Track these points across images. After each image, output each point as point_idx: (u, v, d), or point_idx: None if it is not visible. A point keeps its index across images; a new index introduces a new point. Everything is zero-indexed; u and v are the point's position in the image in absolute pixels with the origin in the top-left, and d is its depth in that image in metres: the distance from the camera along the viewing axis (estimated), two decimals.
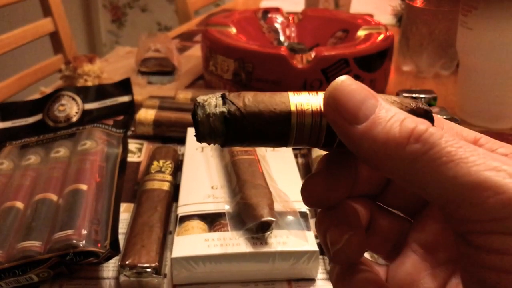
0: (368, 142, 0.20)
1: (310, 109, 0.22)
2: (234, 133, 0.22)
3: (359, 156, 0.21)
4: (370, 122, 0.20)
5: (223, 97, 0.22)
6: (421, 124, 0.19)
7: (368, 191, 0.27)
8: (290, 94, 0.22)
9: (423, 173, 0.19)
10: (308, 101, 0.22)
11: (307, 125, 0.22)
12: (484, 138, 0.22)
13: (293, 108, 0.22)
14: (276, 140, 0.22)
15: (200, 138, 0.22)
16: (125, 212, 0.52)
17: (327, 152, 0.25)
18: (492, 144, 0.22)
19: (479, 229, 0.18)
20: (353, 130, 0.20)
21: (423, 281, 0.24)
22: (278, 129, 0.22)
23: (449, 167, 0.18)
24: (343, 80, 0.21)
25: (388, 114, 0.20)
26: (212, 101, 0.22)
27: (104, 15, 2.86)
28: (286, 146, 0.23)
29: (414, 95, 0.75)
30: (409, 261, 0.25)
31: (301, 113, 0.22)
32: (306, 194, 0.25)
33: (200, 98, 0.22)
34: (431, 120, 0.22)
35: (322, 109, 0.22)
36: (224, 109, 0.22)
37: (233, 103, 0.22)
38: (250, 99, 0.22)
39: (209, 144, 0.23)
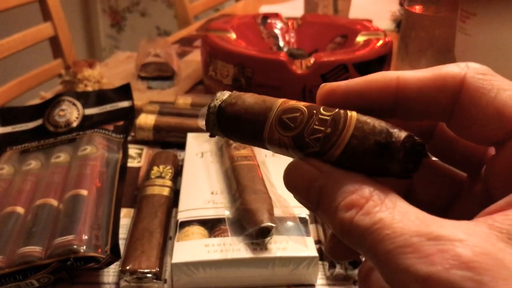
0: (327, 224, 0.21)
1: (278, 136, 0.22)
2: (223, 126, 0.24)
3: None
4: (320, 209, 0.21)
5: (229, 94, 0.24)
6: (350, 209, 0.19)
7: None
8: (280, 101, 0.23)
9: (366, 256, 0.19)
10: (278, 128, 0.22)
11: (276, 144, 0.22)
12: None
13: (266, 127, 0.23)
14: (255, 143, 0.24)
15: (206, 128, 0.25)
16: (125, 217, 0.52)
17: None
18: None
19: None
20: (314, 213, 0.21)
21: None
22: (254, 134, 0.23)
23: (375, 263, 0.18)
24: (290, 168, 0.22)
25: (329, 199, 0.20)
26: (220, 96, 0.24)
27: (104, 20, 2.86)
28: (266, 149, 0.23)
29: None
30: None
31: (271, 133, 0.22)
32: (334, 256, 0.26)
33: (219, 92, 0.25)
34: (394, 156, 0.20)
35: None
36: (217, 104, 0.24)
37: (228, 100, 0.24)
38: (244, 100, 0.24)
39: (213, 135, 0.25)
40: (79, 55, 2.16)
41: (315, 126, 0.21)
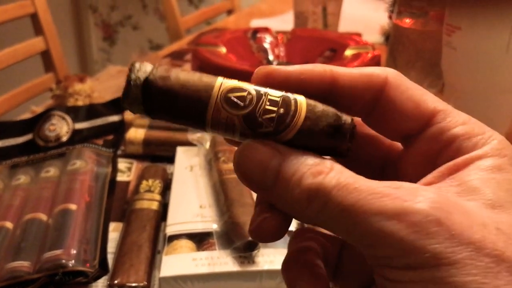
0: (281, 203, 0.21)
1: (225, 115, 0.21)
2: (150, 102, 0.21)
3: None
4: (277, 187, 0.21)
5: (153, 66, 0.22)
6: (317, 176, 0.20)
7: None
8: (219, 79, 0.22)
9: (329, 225, 0.20)
10: (226, 106, 0.21)
11: (222, 124, 0.21)
12: (442, 114, 0.23)
13: (211, 102, 0.21)
14: (194, 123, 0.22)
15: (122, 102, 0.22)
16: (114, 231, 0.53)
17: None
18: (450, 121, 0.22)
19: (376, 263, 0.20)
20: (265, 194, 0.21)
21: None
22: (195, 113, 0.21)
23: (343, 218, 0.19)
24: (243, 148, 0.21)
25: (289, 173, 0.20)
26: (143, 68, 0.22)
27: (96, 33, 2.87)
28: (204, 131, 0.22)
29: None
30: None
31: (217, 111, 0.21)
32: (260, 235, 0.24)
33: (137, 63, 0.22)
34: (343, 145, 0.22)
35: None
36: (146, 76, 0.21)
37: (157, 73, 0.21)
38: (177, 74, 0.21)
39: (133, 112, 0.22)
40: (71, 68, 2.17)
41: (266, 107, 0.21)
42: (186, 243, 0.47)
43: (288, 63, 0.91)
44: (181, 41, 1.38)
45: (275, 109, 0.21)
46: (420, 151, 0.23)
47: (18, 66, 1.20)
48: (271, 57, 0.94)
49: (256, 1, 1.99)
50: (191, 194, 0.54)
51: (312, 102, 0.22)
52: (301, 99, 0.22)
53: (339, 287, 0.27)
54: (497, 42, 0.67)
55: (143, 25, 2.79)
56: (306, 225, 0.27)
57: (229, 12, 1.91)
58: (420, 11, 0.95)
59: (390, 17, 1.26)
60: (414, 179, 0.22)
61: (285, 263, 0.26)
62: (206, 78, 0.22)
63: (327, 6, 1.15)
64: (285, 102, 0.21)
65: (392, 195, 0.19)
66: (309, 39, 0.97)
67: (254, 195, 0.52)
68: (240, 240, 0.45)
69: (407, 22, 0.96)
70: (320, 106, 0.22)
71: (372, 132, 0.25)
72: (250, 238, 0.44)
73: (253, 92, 0.21)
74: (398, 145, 0.25)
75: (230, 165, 0.55)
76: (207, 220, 0.50)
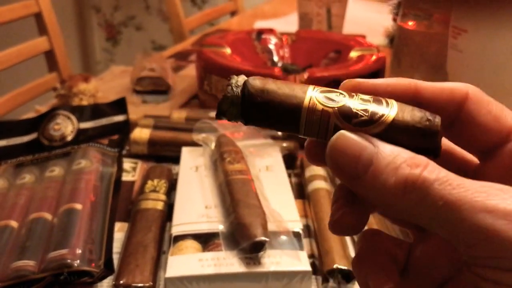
0: (371, 193, 0.21)
1: (321, 108, 0.22)
2: (248, 114, 0.23)
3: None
4: (369, 176, 0.21)
5: (246, 80, 0.24)
6: (415, 168, 0.20)
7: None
8: (310, 88, 0.23)
9: (423, 217, 0.20)
10: (322, 100, 0.23)
11: (316, 122, 0.22)
12: None
13: (305, 102, 0.23)
14: (289, 129, 0.23)
15: (219, 113, 0.24)
16: (119, 231, 0.52)
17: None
18: None
19: (475, 262, 0.20)
20: (356, 184, 0.21)
21: None
22: (289, 119, 0.23)
23: (445, 212, 0.19)
24: (338, 137, 0.22)
25: (384, 163, 0.21)
26: (240, 81, 0.24)
27: (99, 33, 2.88)
28: (298, 135, 0.23)
29: None
30: None
31: (312, 110, 0.22)
32: (338, 229, 0.24)
33: (233, 78, 0.24)
34: (436, 142, 0.22)
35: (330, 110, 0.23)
36: (243, 89, 0.23)
37: (254, 86, 0.23)
38: (270, 86, 0.23)
39: (229, 121, 0.24)
40: (74, 68, 2.17)
41: (360, 100, 0.22)
42: (191, 244, 0.47)
43: (293, 64, 0.91)
44: (185, 42, 1.39)
45: (368, 101, 0.23)
46: (500, 165, 0.24)
47: (21, 66, 1.20)
48: (275, 58, 0.94)
49: (260, 2, 1.99)
50: (196, 195, 0.54)
51: (401, 103, 0.23)
52: (391, 99, 0.23)
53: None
54: (504, 44, 0.67)
55: (146, 25, 2.80)
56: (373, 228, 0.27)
57: (233, 13, 1.91)
58: (425, 13, 0.95)
59: (394, 20, 1.26)
60: None
61: (357, 259, 0.26)
62: (297, 84, 0.24)
63: (332, 7, 1.15)
64: (377, 99, 0.23)
65: (500, 195, 0.19)
66: (313, 41, 0.96)
67: (260, 196, 0.51)
68: (246, 241, 0.44)
69: (412, 24, 0.96)
70: (410, 105, 0.23)
71: (444, 146, 0.25)
72: (256, 239, 0.44)
73: (345, 93, 0.23)
74: (471, 160, 0.26)
75: (236, 166, 0.55)
76: (212, 220, 0.49)
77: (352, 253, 0.48)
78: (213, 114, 0.74)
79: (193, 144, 0.64)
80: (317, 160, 0.25)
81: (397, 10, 1.29)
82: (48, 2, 1.23)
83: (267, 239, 0.44)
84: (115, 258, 0.47)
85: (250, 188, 0.52)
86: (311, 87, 0.23)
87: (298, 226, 0.49)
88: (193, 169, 0.59)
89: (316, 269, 0.47)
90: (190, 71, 1.05)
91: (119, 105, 0.70)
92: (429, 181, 0.20)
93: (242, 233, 0.45)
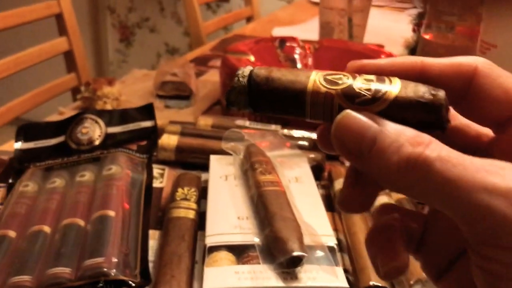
0: (375, 171, 0.21)
1: (324, 91, 0.23)
2: (255, 103, 0.25)
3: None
4: (373, 154, 0.21)
5: (251, 70, 0.25)
6: (417, 146, 0.20)
7: None
8: (314, 73, 0.24)
9: (426, 195, 0.20)
10: (325, 83, 0.23)
11: (320, 104, 0.23)
12: None
13: (309, 86, 0.23)
14: (296, 114, 0.24)
15: (228, 103, 0.25)
16: (151, 239, 0.52)
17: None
18: None
19: (476, 240, 0.20)
20: (360, 162, 0.22)
21: None
22: (295, 104, 0.24)
23: (445, 190, 0.19)
24: (342, 117, 0.22)
25: (387, 141, 0.21)
26: (246, 72, 0.25)
27: (113, 34, 2.88)
28: (305, 119, 0.24)
29: None
30: None
31: (315, 93, 0.23)
32: (348, 207, 0.25)
33: (240, 69, 0.25)
34: (441, 116, 0.22)
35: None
36: (249, 80, 0.24)
37: (259, 75, 0.24)
38: (275, 74, 0.24)
39: (239, 110, 0.25)
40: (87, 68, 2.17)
41: (363, 80, 0.23)
42: (226, 255, 0.47)
43: None
44: (203, 47, 1.38)
45: (371, 80, 0.23)
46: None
47: (40, 66, 1.21)
48: (299, 67, 0.94)
49: (275, 8, 1.99)
50: (227, 205, 0.54)
51: (403, 79, 0.23)
52: (394, 77, 0.23)
53: (422, 260, 0.27)
54: None
55: (160, 28, 2.80)
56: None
57: (249, 19, 1.92)
58: (449, 25, 0.94)
59: (414, 30, 1.25)
60: None
61: (369, 235, 0.26)
62: (301, 70, 0.24)
63: (353, 17, 1.14)
64: (380, 78, 0.23)
65: (500, 173, 0.19)
66: (336, 50, 0.96)
67: (295, 209, 0.51)
68: (283, 256, 0.44)
69: (435, 36, 0.96)
70: (412, 82, 0.23)
71: (458, 122, 0.26)
72: (293, 254, 0.44)
73: (348, 74, 0.23)
74: (487, 133, 0.26)
75: (268, 177, 0.55)
76: (246, 232, 0.49)
77: None
78: (240, 122, 0.74)
79: (220, 152, 0.64)
80: (329, 147, 0.25)
81: (417, 21, 1.28)
82: (69, 2, 1.24)
83: (305, 254, 0.44)
84: (149, 266, 0.46)
85: (284, 200, 0.51)
86: (314, 71, 0.24)
87: (332, 241, 0.49)
88: (223, 178, 0.59)
89: (350, 285, 0.47)
90: (211, 76, 1.05)
91: (147, 111, 0.69)
92: (430, 160, 0.20)
93: (279, 247, 0.45)
